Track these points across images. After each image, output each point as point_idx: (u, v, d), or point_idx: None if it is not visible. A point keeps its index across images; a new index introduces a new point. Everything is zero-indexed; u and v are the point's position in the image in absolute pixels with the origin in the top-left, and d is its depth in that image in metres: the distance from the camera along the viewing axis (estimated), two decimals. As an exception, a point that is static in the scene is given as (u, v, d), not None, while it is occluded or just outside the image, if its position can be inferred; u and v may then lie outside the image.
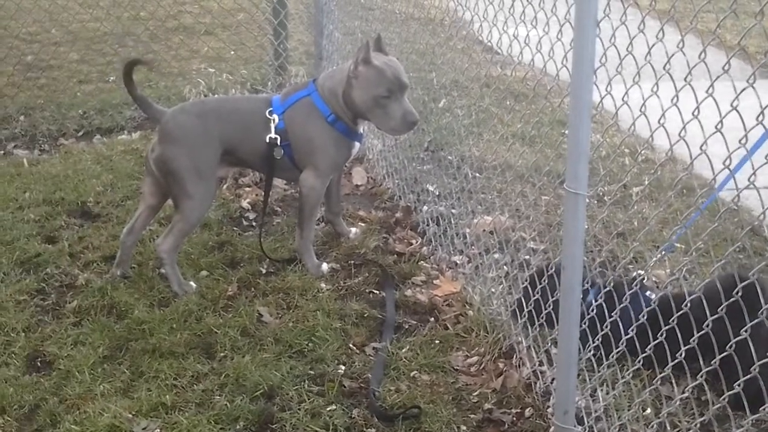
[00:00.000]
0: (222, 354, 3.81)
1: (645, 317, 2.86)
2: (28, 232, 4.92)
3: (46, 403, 3.51)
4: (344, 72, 4.30)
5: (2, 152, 6.68)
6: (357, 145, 4.57)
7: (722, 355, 2.53)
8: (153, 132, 6.75)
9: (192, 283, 4.31)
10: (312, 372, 3.68)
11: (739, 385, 2.51)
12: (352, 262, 4.60)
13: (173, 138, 4.19)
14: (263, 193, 4.65)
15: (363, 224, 5.09)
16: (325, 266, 4.51)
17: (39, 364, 3.84)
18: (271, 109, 4.34)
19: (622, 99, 2.89)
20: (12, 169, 6.12)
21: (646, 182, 4.94)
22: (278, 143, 4.31)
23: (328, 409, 3.41)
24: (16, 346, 3.92)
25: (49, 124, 7.06)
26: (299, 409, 3.40)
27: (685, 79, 2.55)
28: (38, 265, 4.59)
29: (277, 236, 4.90)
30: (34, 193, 5.57)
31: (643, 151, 4.17)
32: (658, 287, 3.87)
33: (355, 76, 4.23)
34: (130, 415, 3.37)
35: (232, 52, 8.42)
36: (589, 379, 3.25)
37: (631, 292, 2.97)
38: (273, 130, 4.31)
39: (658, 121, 2.71)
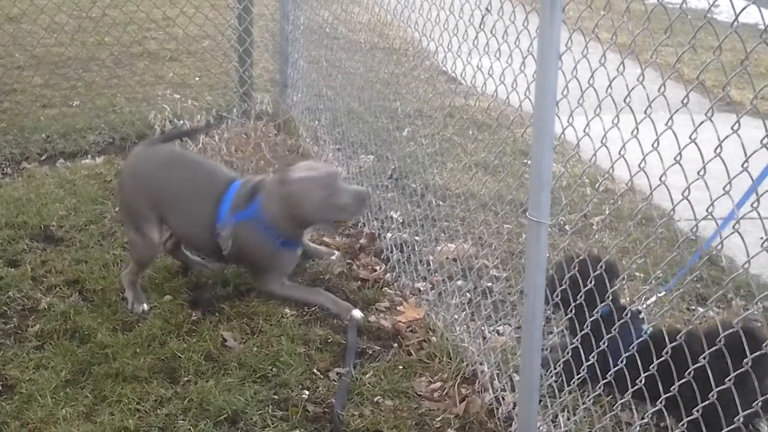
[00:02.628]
0: (186, 378, 3.82)
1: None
2: (-9, 255, 4.91)
3: (8, 426, 3.49)
4: (276, 197, 4.28)
5: (-36, 175, 6.64)
6: (301, 249, 4.61)
7: (681, 381, 2.59)
8: (117, 156, 6.78)
9: (145, 305, 4.37)
10: (276, 397, 3.70)
11: (698, 411, 2.57)
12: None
13: (121, 187, 4.45)
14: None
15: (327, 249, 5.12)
16: (356, 313, 4.35)
17: (0, 387, 3.81)
18: (219, 216, 4.32)
19: (584, 130, 2.96)
20: (-26, 193, 6.08)
21: (607, 212, 5.02)
22: (228, 245, 4.34)
23: (292, 434, 3.43)
24: (-23, 370, 3.90)
25: (11, 147, 7.01)
26: (263, 434, 3.41)
27: (645, 112, 2.61)
28: (0, 289, 4.57)
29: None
30: (-3, 217, 5.54)
31: (603, 182, 4.24)
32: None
33: (287, 197, 4.23)
34: None
35: (197, 78, 8.44)
36: (551, 405, 3.30)
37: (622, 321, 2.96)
38: (223, 241, 4.33)
39: (619, 152, 2.77)
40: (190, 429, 3.44)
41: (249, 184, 4.38)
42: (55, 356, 3.95)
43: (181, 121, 6.74)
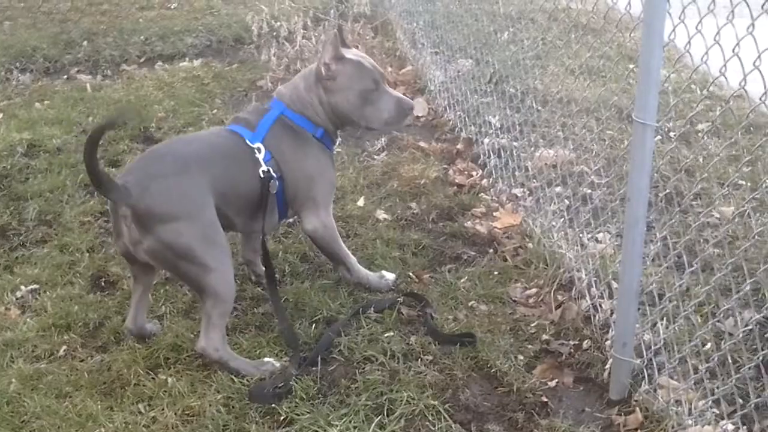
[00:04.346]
0: (281, 279, 3.84)
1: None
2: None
3: (110, 321, 3.59)
4: (310, 79, 3.61)
5: (66, 77, 6.76)
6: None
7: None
8: (214, 59, 6.78)
9: (268, 359, 3.30)
10: (370, 299, 3.69)
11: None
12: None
13: (163, 215, 3.11)
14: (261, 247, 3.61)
15: (423, 155, 5.06)
16: (388, 275, 3.84)
17: (103, 283, 3.91)
18: (246, 139, 3.47)
19: (696, 27, 2.81)
20: (75, 94, 6.20)
21: (717, 113, 4.83)
22: (273, 176, 3.45)
23: (385, 335, 3.41)
24: (80, 265, 4.01)
25: (111, 49, 7.10)
26: (357, 335, 3.41)
27: (762, 7, 2.46)
28: (102, 187, 4.64)
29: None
30: (98, 118, 5.63)
31: (711, 86, 4.06)
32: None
33: (330, 77, 3.55)
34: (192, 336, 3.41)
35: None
36: (650, 312, 3.22)
37: None
38: (262, 161, 3.44)
39: (732, 50, 2.63)
40: (279, 325, 3.46)
41: (247, 108, 3.85)
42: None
43: (278, 23, 6.68)
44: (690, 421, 2.84)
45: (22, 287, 3.85)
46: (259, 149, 3.43)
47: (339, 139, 3.80)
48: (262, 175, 3.41)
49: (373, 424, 2.91)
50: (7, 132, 5.46)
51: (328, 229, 3.65)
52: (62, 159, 5.07)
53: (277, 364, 3.25)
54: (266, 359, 3.28)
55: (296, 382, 3.10)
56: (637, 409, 3.00)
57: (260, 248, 3.58)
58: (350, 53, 3.63)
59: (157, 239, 3.12)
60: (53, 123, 5.63)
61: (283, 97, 3.62)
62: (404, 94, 4.44)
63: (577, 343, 3.42)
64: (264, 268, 3.65)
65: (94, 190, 4.62)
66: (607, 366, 3.18)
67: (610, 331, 3.29)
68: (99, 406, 3.04)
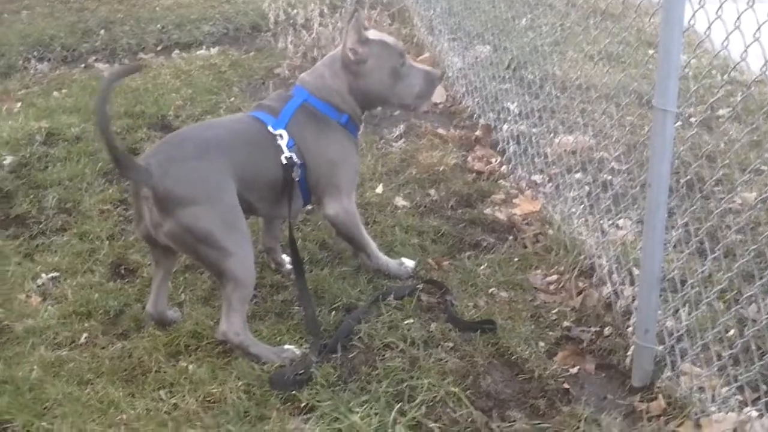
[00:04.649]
0: (301, 266, 3.84)
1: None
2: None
3: (131, 308, 3.59)
4: (336, 66, 3.57)
5: (83, 65, 6.78)
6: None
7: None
8: (231, 47, 6.77)
9: (288, 345, 3.30)
10: (390, 286, 3.68)
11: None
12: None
13: (183, 198, 3.11)
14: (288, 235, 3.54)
15: (441, 142, 5.05)
16: (408, 261, 3.82)
17: (123, 271, 3.91)
18: (269, 125, 3.44)
19: (716, 12, 2.78)
20: (93, 82, 6.22)
21: (739, 98, 4.79)
22: (295, 162, 3.40)
23: (405, 322, 3.40)
24: (100, 253, 4.01)
25: (128, 38, 7.12)
26: (377, 322, 3.40)
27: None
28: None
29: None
30: (116, 106, 5.63)
31: (732, 71, 4.02)
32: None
33: (359, 60, 3.52)
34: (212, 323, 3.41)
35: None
36: (672, 299, 3.20)
37: None
38: (285, 148, 3.40)
39: (753, 35, 2.60)
40: (303, 313, 3.46)
41: (270, 95, 3.78)
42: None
43: (295, 11, 6.67)
44: (713, 408, 2.82)
45: (43, 275, 3.86)
46: (281, 135, 3.40)
47: (363, 124, 3.75)
48: (284, 162, 3.38)
49: (394, 411, 2.90)
50: (26, 121, 5.48)
51: (349, 215, 3.60)
52: (81, 147, 5.08)
53: (298, 351, 3.24)
54: (287, 346, 3.27)
55: (317, 369, 3.10)
56: (660, 395, 2.98)
57: (281, 235, 3.56)
58: (371, 34, 3.61)
59: (177, 222, 3.11)
60: (71, 111, 5.65)
61: (307, 84, 3.58)
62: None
63: (598, 329, 3.40)
64: (284, 257, 3.68)
65: (113, 179, 4.65)
66: (629, 352, 3.17)
67: (632, 317, 3.27)
68: (120, 393, 3.04)
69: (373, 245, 3.75)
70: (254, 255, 3.32)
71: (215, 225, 3.15)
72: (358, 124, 3.67)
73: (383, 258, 3.77)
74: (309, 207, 4.00)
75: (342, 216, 3.58)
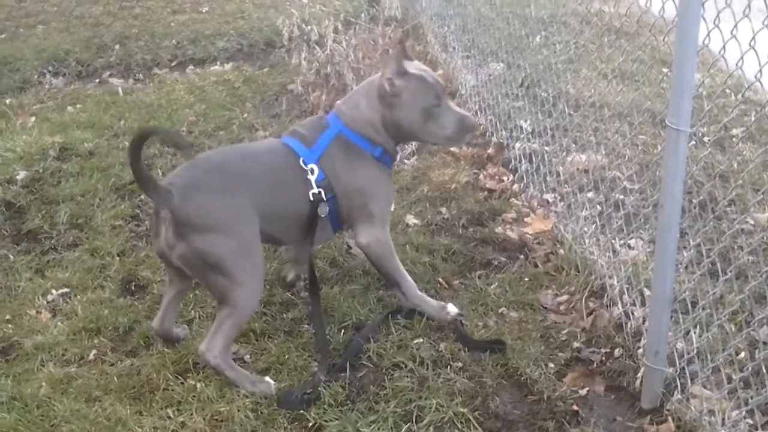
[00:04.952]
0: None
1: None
2: (123, 160, 4.98)
3: (140, 325, 3.59)
4: (372, 95, 3.51)
5: (98, 80, 6.81)
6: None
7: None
8: (245, 63, 6.78)
9: (268, 379, 3.23)
10: (399, 305, 3.66)
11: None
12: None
13: (199, 226, 3.13)
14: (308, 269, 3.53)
15: (453, 160, 5.04)
16: (451, 307, 3.60)
17: (133, 287, 3.92)
18: (301, 158, 3.41)
19: (731, 32, 2.77)
20: (107, 98, 6.24)
21: (753, 118, 4.77)
22: (324, 198, 3.40)
23: (414, 342, 3.40)
24: (111, 269, 4.02)
25: (143, 53, 7.15)
26: (386, 341, 3.39)
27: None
28: (133, 192, 4.67)
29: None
30: (129, 121, 5.67)
31: (746, 91, 4.00)
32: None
33: (394, 93, 3.44)
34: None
35: (326, -16, 8.36)
36: (683, 321, 3.18)
37: None
38: (314, 183, 3.39)
39: (769, 56, 2.59)
40: (313, 333, 3.45)
41: (305, 122, 3.73)
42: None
43: (309, 27, 6.68)
44: (723, 431, 2.80)
45: (53, 291, 3.87)
46: (312, 170, 3.38)
47: (399, 155, 3.68)
48: (311, 198, 3.38)
49: (402, 431, 2.89)
50: (40, 135, 5.50)
51: (381, 244, 3.53)
52: (94, 163, 5.09)
53: (273, 388, 3.17)
54: (267, 378, 3.22)
55: (325, 388, 3.09)
56: (670, 418, 2.97)
57: (305, 262, 3.58)
58: (412, 67, 3.53)
59: (191, 246, 3.12)
60: (85, 127, 5.66)
61: (343, 114, 3.52)
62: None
63: (608, 351, 3.38)
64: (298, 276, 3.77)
65: (125, 194, 4.66)
66: (639, 374, 3.15)
67: (643, 339, 3.24)
68: (128, 411, 3.05)
69: (409, 280, 3.62)
70: (265, 273, 3.31)
71: (228, 254, 3.14)
72: (392, 156, 3.61)
73: (420, 296, 3.62)
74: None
75: (374, 245, 3.52)
